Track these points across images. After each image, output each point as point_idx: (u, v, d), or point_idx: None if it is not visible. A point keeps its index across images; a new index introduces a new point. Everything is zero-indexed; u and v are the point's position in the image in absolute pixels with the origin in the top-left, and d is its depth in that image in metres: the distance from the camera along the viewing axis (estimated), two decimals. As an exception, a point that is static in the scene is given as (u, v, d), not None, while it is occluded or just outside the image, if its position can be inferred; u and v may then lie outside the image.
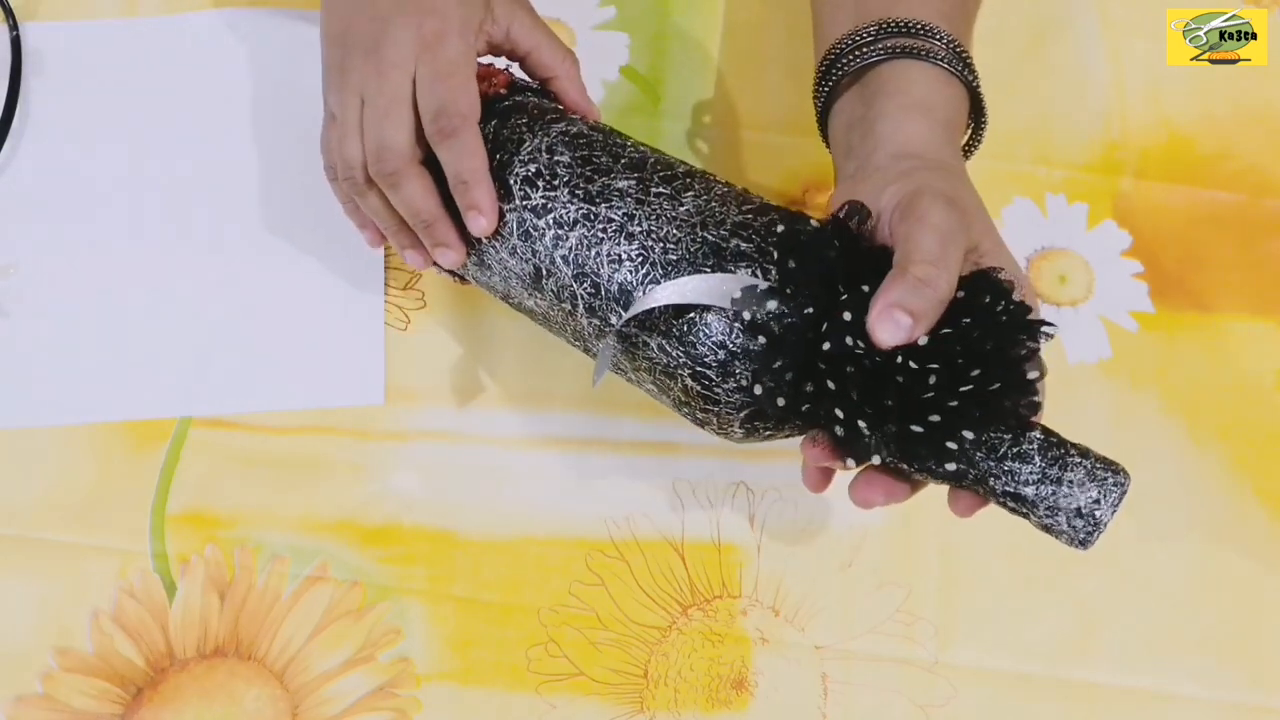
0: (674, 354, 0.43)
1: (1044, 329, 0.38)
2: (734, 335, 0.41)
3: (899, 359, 0.37)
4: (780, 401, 0.39)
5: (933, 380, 0.37)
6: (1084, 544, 0.38)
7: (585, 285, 0.45)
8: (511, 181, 0.46)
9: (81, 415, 0.54)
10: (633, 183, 0.45)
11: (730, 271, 0.42)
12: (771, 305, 0.40)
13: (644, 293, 0.43)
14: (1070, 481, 0.37)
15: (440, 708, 0.49)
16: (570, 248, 0.45)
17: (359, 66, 0.48)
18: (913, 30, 0.46)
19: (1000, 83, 0.64)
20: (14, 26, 0.61)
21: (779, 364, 0.39)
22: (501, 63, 0.52)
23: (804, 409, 0.39)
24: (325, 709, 0.48)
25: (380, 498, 0.52)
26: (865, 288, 0.38)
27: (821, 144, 0.60)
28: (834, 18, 0.49)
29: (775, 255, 0.41)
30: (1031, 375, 0.38)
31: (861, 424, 0.37)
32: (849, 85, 0.48)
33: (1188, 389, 0.56)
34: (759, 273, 0.41)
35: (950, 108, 0.46)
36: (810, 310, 0.39)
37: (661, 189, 0.45)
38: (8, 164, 0.59)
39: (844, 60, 0.47)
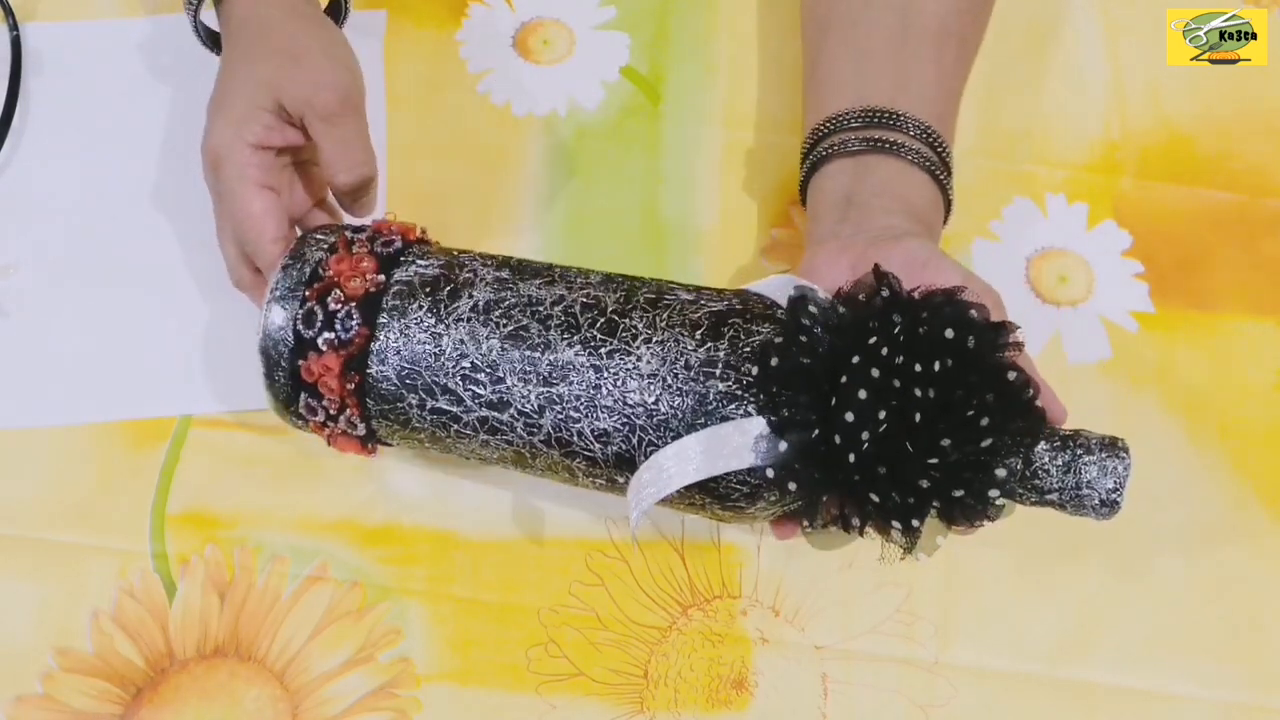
0: (696, 496, 0.43)
1: (1015, 338, 0.40)
2: (753, 475, 0.41)
3: (911, 435, 0.38)
4: (831, 529, 0.41)
5: (949, 444, 0.39)
6: (1109, 518, 0.42)
7: (578, 461, 0.44)
8: (454, 384, 0.44)
9: (82, 415, 0.54)
10: (577, 349, 0.43)
11: (720, 415, 0.41)
12: (782, 446, 0.39)
13: (644, 456, 0.42)
14: (1088, 482, 0.41)
15: (440, 708, 0.49)
16: (546, 434, 0.44)
17: None
18: (898, 124, 0.48)
19: (1000, 82, 0.64)
20: (14, 26, 0.61)
21: (814, 498, 0.40)
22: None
23: (853, 522, 0.40)
24: (325, 709, 0.48)
25: (380, 498, 0.52)
26: (844, 378, 0.39)
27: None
28: (832, 90, 0.51)
29: (760, 392, 0.41)
30: (1028, 396, 0.40)
31: (915, 522, 0.39)
32: (837, 158, 0.50)
33: (1188, 389, 0.56)
34: (749, 408, 0.41)
35: (930, 210, 0.49)
36: (817, 432, 0.39)
37: (609, 344, 0.43)
38: (8, 164, 0.59)
39: (830, 140, 0.50)
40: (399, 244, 0.46)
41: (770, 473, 0.40)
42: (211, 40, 0.54)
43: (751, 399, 0.41)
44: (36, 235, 0.57)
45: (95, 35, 0.63)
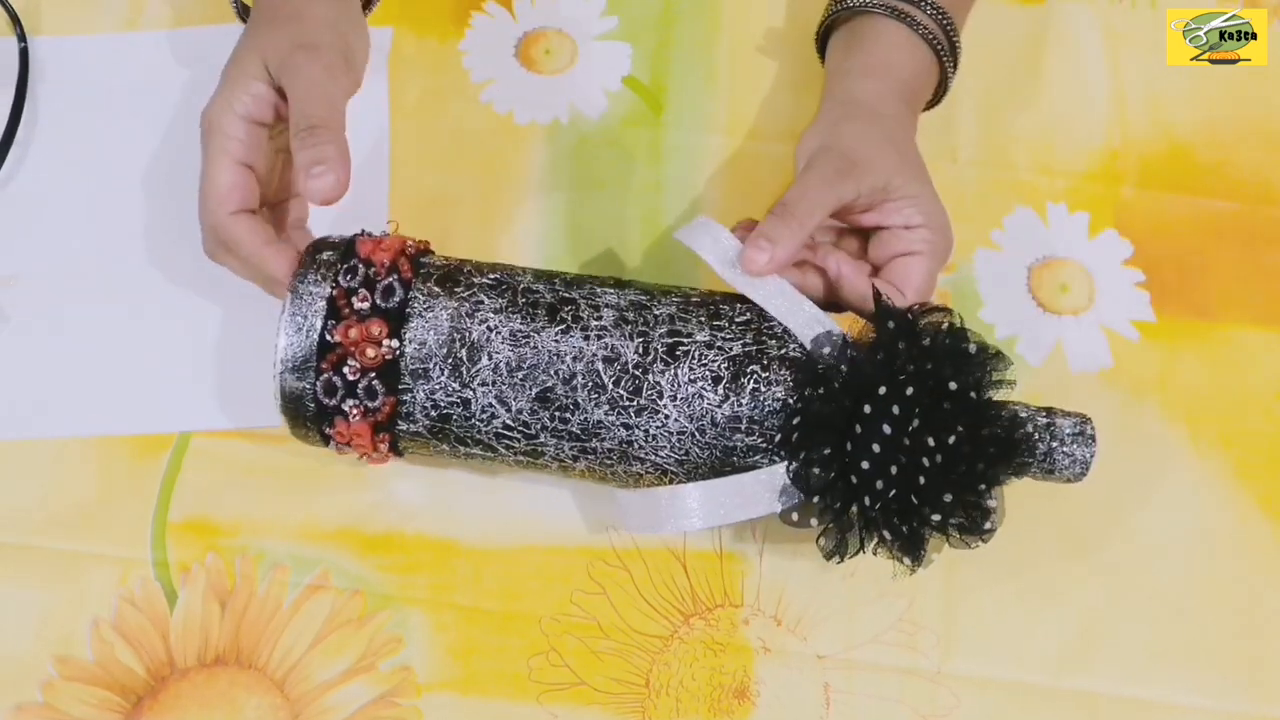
0: None
1: (1008, 376, 0.45)
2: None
3: (918, 492, 0.43)
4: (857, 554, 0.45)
5: (950, 498, 0.43)
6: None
7: (611, 483, 0.48)
8: (488, 439, 0.46)
9: (83, 429, 0.54)
10: (606, 409, 0.45)
11: (745, 465, 0.45)
12: (800, 495, 0.44)
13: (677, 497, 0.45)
14: (1062, 466, 0.46)
15: (441, 717, 0.49)
16: (581, 472, 0.47)
17: None
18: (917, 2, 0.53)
19: (1001, 91, 0.64)
20: (22, 38, 0.62)
21: (842, 536, 0.44)
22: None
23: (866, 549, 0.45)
24: (326, 718, 0.48)
25: (381, 506, 0.52)
26: (858, 428, 0.42)
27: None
28: None
29: (785, 450, 0.44)
30: (1019, 435, 0.45)
31: (920, 552, 0.44)
32: (843, 23, 0.55)
33: (1189, 398, 0.56)
34: (774, 458, 0.44)
35: (920, 83, 0.53)
36: (834, 473, 0.43)
37: (636, 402, 0.44)
38: (13, 175, 0.59)
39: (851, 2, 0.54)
40: (400, 292, 0.45)
41: (795, 515, 0.44)
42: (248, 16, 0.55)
43: (772, 454, 0.44)
44: (41, 246, 0.58)
45: (102, 49, 0.63)
